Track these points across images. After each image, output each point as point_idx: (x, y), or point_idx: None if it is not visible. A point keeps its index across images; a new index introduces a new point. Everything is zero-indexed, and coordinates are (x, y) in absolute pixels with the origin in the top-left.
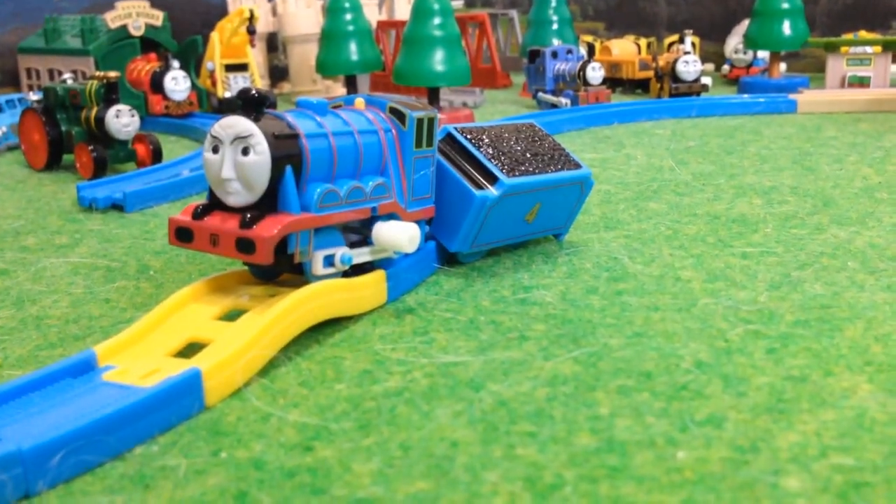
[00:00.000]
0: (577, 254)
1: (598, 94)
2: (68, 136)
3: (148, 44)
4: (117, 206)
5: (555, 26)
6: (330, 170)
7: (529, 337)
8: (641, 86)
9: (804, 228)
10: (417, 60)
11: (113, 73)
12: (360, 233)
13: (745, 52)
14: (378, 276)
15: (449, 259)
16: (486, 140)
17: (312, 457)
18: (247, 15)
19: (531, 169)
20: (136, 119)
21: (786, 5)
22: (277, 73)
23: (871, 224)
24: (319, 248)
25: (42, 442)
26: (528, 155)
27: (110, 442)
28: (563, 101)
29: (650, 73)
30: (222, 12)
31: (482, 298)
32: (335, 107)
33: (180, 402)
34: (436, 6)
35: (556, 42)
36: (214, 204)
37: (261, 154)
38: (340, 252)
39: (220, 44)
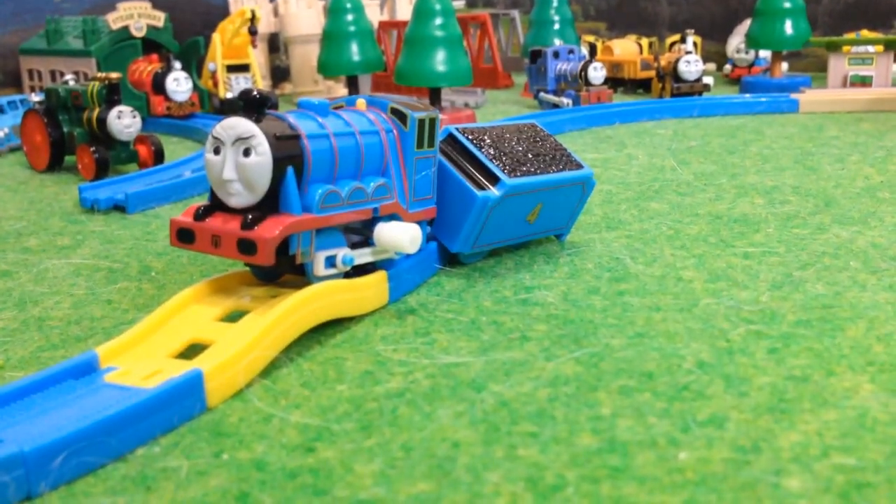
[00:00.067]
0: (578, 254)
1: (599, 94)
2: (70, 138)
3: (150, 45)
4: (119, 208)
5: (556, 26)
6: (331, 170)
7: (531, 337)
8: (643, 86)
9: (806, 228)
10: (419, 61)
11: (115, 74)
12: (361, 233)
13: (746, 52)
14: (380, 276)
15: (450, 260)
16: (488, 140)
17: (314, 458)
18: (248, 16)
19: (533, 169)
20: (138, 120)
21: (787, 5)
22: (279, 74)
23: (873, 224)
24: (321, 249)
25: (44, 443)
26: (530, 155)
27: (112, 443)
28: (565, 101)
29: (652, 73)
30: (224, 13)
31: (484, 299)
32: (336, 107)
33: (182, 403)
34: (437, 6)
35: (557, 42)
36: (216, 205)
37: (262, 155)
38: (342, 253)
39: (222, 44)
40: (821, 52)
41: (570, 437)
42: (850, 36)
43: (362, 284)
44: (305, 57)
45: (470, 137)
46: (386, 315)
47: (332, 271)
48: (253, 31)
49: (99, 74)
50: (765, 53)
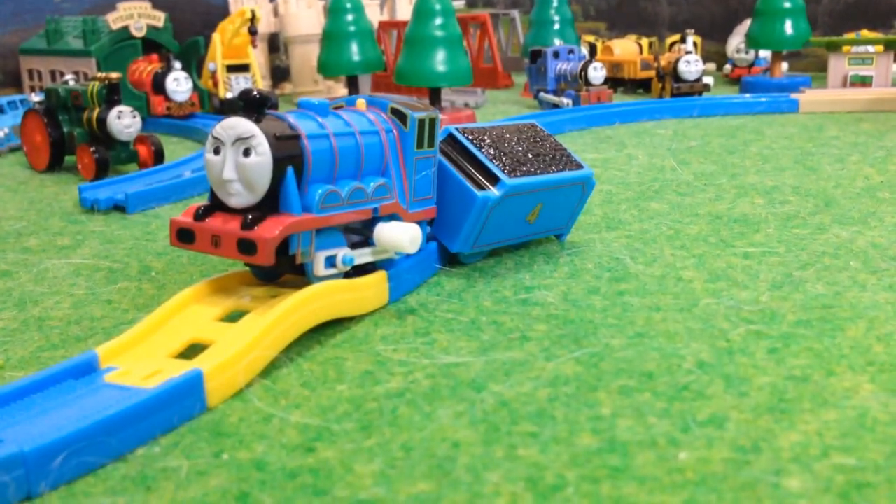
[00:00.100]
0: (578, 254)
1: (599, 94)
2: (70, 138)
3: (150, 45)
4: (119, 208)
5: (556, 26)
6: (331, 170)
7: (531, 337)
8: (643, 86)
9: (806, 228)
10: (419, 61)
11: (115, 74)
12: (361, 233)
13: (746, 52)
14: (380, 276)
15: (450, 260)
16: (488, 140)
17: (314, 458)
18: (248, 16)
19: (533, 169)
20: (138, 120)
21: (787, 5)
22: (279, 74)
23: (874, 224)
24: (321, 249)
25: (44, 443)
26: (530, 155)
27: (112, 443)
28: (565, 101)
29: (652, 73)
30: (224, 13)
31: (484, 299)
32: (336, 107)
33: (182, 403)
34: (437, 6)
35: (557, 42)
36: (216, 205)
37: (262, 155)
38: (342, 253)
39: (222, 44)
40: (821, 52)
41: (570, 437)
42: (850, 36)
43: (362, 284)
44: (305, 57)
45: (470, 137)
46: (386, 315)
47: (332, 271)
48: (253, 31)
49: (99, 74)
50: (765, 53)
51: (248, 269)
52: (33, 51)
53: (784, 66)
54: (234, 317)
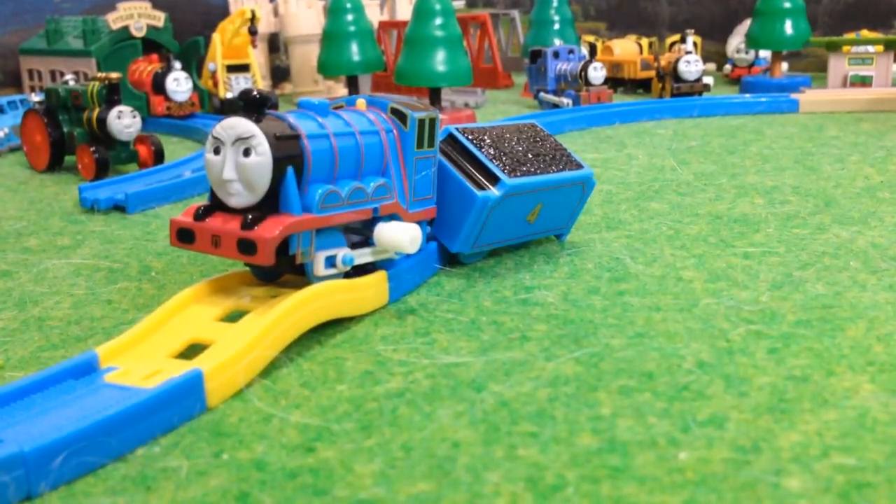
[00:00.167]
0: (578, 254)
1: (599, 94)
2: (70, 138)
3: (150, 45)
4: (119, 208)
5: (556, 26)
6: (331, 170)
7: (531, 337)
8: (643, 86)
9: (806, 228)
10: (419, 61)
11: (115, 74)
12: (361, 233)
13: (746, 52)
14: (380, 276)
15: (450, 260)
16: (488, 140)
17: (314, 458)
18: (248, 16)
19: (533, 169)
20: (138, 120)
21: (787, 5)
22: (279, 74)
23: (874, 224)
24: (321, 249)
25: (44, 443)
26: (530, 155)
27: (112, 443)
28: (565, 101)
29: (652, 73)
30: (224, 13)
31: (484, 299)
32: (336, 107)
33: (182, 403)
34: (437, 6)
35: (557, 42)
36: (216, 205)
37: (262, 155)
38: (342, 253)
39: (222, 44)
40: (821, 52)
41: (570, 437)
42: (850, 36)
43: (362, 284)
44: (305, 57)
45: (470, 137)
46: (386, 315)
47: (332, 271)
48: (253, 31)
49: (99, 74)
50: (765, 53)
51: (248, 269)
52: (33, 51)
53: (784, 66)
54: (234, 317)
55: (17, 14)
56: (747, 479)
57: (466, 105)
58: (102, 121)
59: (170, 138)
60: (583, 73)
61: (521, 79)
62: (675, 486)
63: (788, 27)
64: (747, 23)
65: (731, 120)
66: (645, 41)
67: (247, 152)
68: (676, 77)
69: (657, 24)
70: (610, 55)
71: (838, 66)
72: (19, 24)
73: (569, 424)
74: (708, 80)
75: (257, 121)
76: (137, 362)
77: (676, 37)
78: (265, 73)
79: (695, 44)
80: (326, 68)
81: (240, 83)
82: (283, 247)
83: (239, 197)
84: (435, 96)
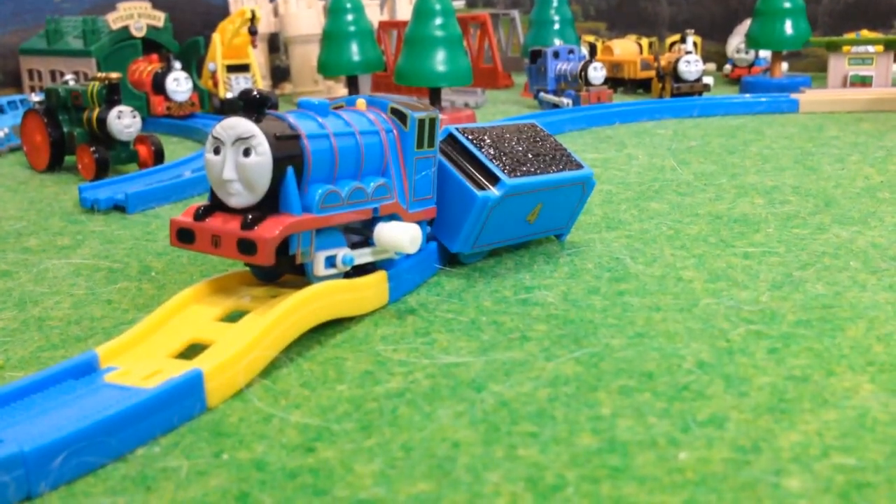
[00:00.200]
0: (578, 254)
1: (599, 94)
2: (70, 138)
3: (150, 45)
4: (119, 208)
5: (556, 26)
6: (331, 170)
7: (531, 337)
8: (643, 86)
9: (806, 228)
10: (419, 61)
11: (115, 74)
12: (361, 233)
13: (746, 52)
14: (380, 276)
15: (450, 260)
16: (488, 140)
17: (314, 458)
18: (248, 16)
19: (533, 169)
20: (138, 120)
21: (787, 5)
22: (279, 74)
23: (873, 224)
24: (321, 249)
25: (44, 443)
26: (530, 155)
27: (112, 443)
28: (565, 101)
29: (652, 73)
30: (224, 13)
31: (484, 299)
32: (336, 107)
33: (182, 403)
34: (437, 6)
35: (557, 42)
36: (216, 205)
37: (262, 155)
38: (342, 253)
39: (222, 44)
40: (821, 52)
41: (570, 437)
42: (850, 36)
43: (362, 284)
44: (305, 57)
45: (470, 137)
46: (386, 315)
47: (332, 271)
48: (253, 31)
49: (99, 74)
50: (765, 53)
51: (248, 269)
52: (33, 51)
53: (784, 66)
54: (234, 317)
55: (17, 14)
56: (747, 479)
57: (466, 105)
58: (102, 121)
59: (170, 138)
60: (583, 73)
61: (521, 79)
62: (675, 486)
63: (788, 27)
64: (747, 23)
65: (731, 120)
66: (645, 41)
67: (247, 152)
68: (676, 77)
69: (657, 24)
70: (610, 55)
71: (838, 66)
72: (19, 24)
73: (569, 424)
74: (708, 80)
75: (257, 121)
76: (137, 362)
77: (676, 37)
78: (265, 73)
79: (695, 44)
80: (326, 68)
81: (240, 83)
82: (283, 247)
83: (239, 197)
84: (435, 96)
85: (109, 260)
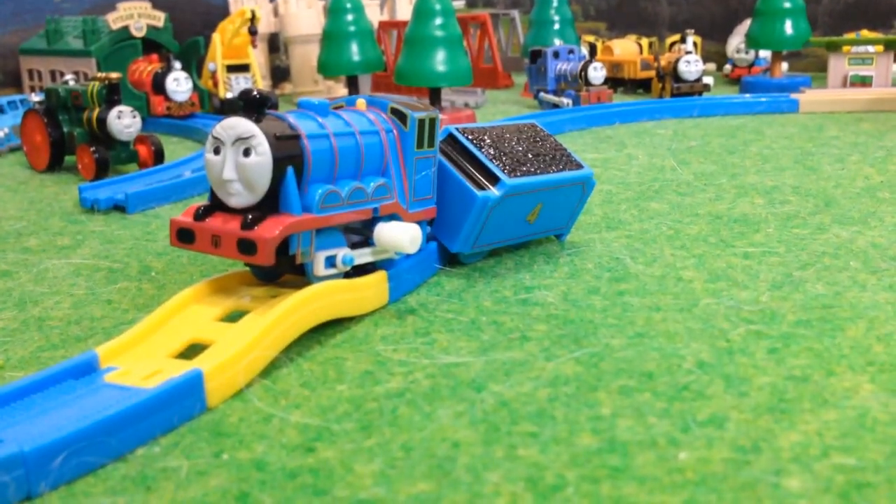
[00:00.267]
0: (578, 254)
1: (599, 94)
2: (70, 138)
3: (150, 45)
4: (119, 208)
5: (556, 26)
6: (331, 170)
7: (531, 337)
8: (643, 86)
9: (806, 228)
10: (419, 61)
11: (115, 74)
12: (361, 233)
13: (746, 52)
14: (380, 276)
15: (450, 260)
16: (488, 140)
17: (314, 458)
18: (248, 16)
19: (533, 169)
20: (138, 120)
21: (787, 5)
22: (279, 74)
23: (874, 224)
24: (321, 249)
25: (44, 443)
26: (530, 155)
27: (112, 443)
28: (565, 101)
29: (652, 73)
30: (224, 13)
31: (484, 299)
32: (336, 107)
33: (182, 403)
34: (437, 6)
35: (557, 42)
36: (216, 205)
37: (262, 155)
38: (342, 253)
39: (222, 44)
40: (821, 52)
41: (570, 437)
42: (850, 36)
43: (362, 284)
44: (305, 57)
45: (470, 137)
46: (386, 315)
47: (332, 271)
48: (253, 31)
49: (99, 74)
50: (765, 53)
51: (248, 269)
52: (33, 51)
53: (784, 66)
54: (234, 317)
55: (17, 14)
56: (747, 479)
57: (466, 105)
58: (102, 121)
59: (170, 138)
60: (583, 73)
61: (521, 79)
62: (675, 486)
63: (788, 27)
64: (747, 23)
65: (731, 120)
66: (645, 41)
67: (247, 152)
68: (676, 77)
69: (657, 24)
70: (610, 55)
71: (838, 66)
72: (19, 24)
73: (569, 424)
74: (708, 80)
75: (257, 121)
76: (137, 362)
77: (676, 37)
78: (265, 73)
79: (695, 44)
80: (326, 68)
81: (240, 83)
82: (283, 247)
83: (239, 197)
84: (435, 96)
85: (109, 260)
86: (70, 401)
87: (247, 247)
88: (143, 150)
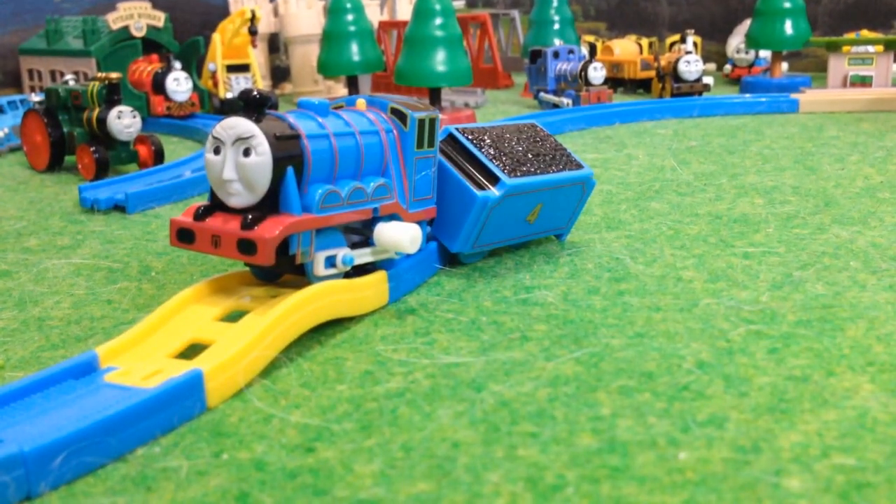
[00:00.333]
0: (578, 254)
1: (599, 94)
2: (70, 138)
3: (150, 45)
4: (119, 208)
5: (556, 26)
6: (331, 170)
7: (531, 337)
8: (643, 86)
9: (806, 228)
10: (419, 61)
11: (115, 74)
12: (361, 233)
13: (746, 52)
14: (380, 276)
15: (450, 260)
16: (488, 140)
17: (314, 458)
18: (248, 16)
19: (533, 169)
20: (138, 120)
21: (787, 5)
22: (279, 74)
23: (873, 224)
24: (321, 249)
25: (44, 443)
26: (530, 155)
27: (112, 443)
28: (565, 101)
29: (652, 73)
30: (224, 13)
31: (484, 299)
32: (336, 107)
33: (182, 403)
34: (437, 6)
35: (557, 42)
36: (216, 205)
37: (262, 155)
38: (342, 253)
39: (222, 44)
40: (821, 52)
41: (569, 437)
42: (850, 36)
43: (362, 284)
44: (305, 57)
45: (470, 137)
46: (386, 315)
47: (332, 271)
48: (253, 31)
49: (99, 74)
50: (765, 53)
51: (248, 269)
52: (33, 51)
53: (784, 66)
54: (234, 317)
55: (17, 14)
56: (747, 479)
57: (466, 105)
58: (102, 121)
59: (170, 138)
60: (583, 73)
61: (521, 79)
62: (675, 486)
63: (788, 27)
64: (747, 23)
65: (731, 120)
66: (645, 41)
67: (247, 152)
68: (676, 77)
69: (657, 24)
70: (610, 55)
71: (838, 66)
72: (19, 24)
73: (569, 424)
74: (708, 80)
75: (257, 121)
76: (137, 362)
77: (676, 37)
78: (265, 73)
79: (695, 44)
80: (326, 68)
81: (240, 83)
82: (283, 247)
83: (239, 197)
84: (435, 96)
85: (109, 260)
86: (70, 401)
87: (247, 247)
88: (143, 150)
